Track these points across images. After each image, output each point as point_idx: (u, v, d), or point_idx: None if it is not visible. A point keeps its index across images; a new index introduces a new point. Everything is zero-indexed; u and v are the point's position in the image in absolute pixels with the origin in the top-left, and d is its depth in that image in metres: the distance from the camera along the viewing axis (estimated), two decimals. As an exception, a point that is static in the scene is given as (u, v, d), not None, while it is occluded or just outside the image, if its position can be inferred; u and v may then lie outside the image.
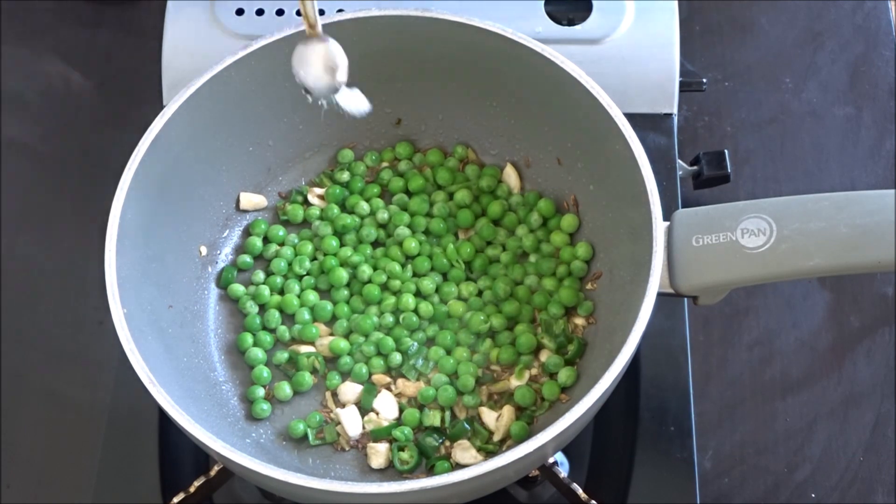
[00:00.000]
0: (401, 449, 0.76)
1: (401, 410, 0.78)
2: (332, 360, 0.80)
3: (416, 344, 0.79)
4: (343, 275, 0.81)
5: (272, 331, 0.81)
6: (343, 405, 0.78)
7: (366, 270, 0.82)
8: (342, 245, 0.84)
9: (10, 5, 1.05)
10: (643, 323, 0.67)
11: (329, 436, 0.77)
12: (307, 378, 0.79)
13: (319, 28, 0.65)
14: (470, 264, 0.83)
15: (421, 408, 0.78)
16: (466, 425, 0.76)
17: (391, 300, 0.81)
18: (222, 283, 0.82)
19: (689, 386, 0.81)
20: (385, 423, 0.77)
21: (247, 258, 0.83)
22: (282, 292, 0.82)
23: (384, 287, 0.82)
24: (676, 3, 0.90)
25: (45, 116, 1.01)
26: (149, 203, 0.75)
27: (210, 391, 0.78)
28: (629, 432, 0.80)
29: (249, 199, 0.85)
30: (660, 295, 0.69)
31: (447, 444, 0.76)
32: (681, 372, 0.81)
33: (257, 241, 0.84)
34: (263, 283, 0.82)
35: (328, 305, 0.81)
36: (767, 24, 1.03)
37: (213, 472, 0.77)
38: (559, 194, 0.83)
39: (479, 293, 0.82)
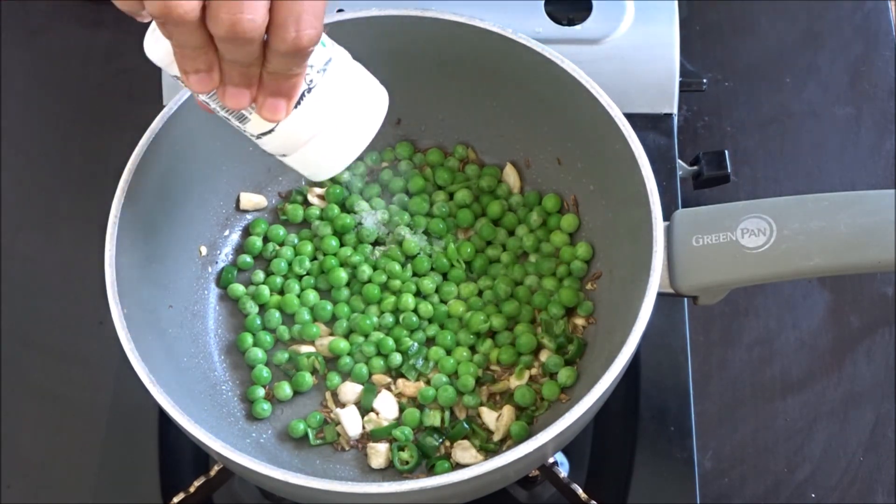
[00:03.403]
0: (401, 449, 0.76)
1: (401, 410, 0.78)
2: (332, 360, 0.80)
3: (416, 344, 0.79)
4: (343, 275, 0.81)
5: (272, 331, 0.81)
6: (343, 405, 0.78)
7: (366, 270, 0.82)
8: (342, 245, 0.84)
9: (10, 5, 1.05)
10: (643, 323, 0.67)
11: (329, 436, 0.77)
12: (307, 378, 0.79)
13: None
14: (470, 264, 0.83)
15: (421, 408, 0.78)
16: (466, 425, 0.76)
17: (391, 300, 0.81)
18: (222, 283, 0.82)
19: (689, 386, 0.81)
20: (385, 423, 0.77)
21: (247, 258, 0.83)
22: (282, 292, 0.82)
23: (384, 287, 0.82)
24: (676, 3, 0.90)
25: (45, 116, 1.01)
26: (149, 203, 0.75)
27: (210, 391, 0.78)
28: (629, 432, 0.80)
29: (249, 199, 0.85)
30: (660, 295, 0.69)
31: (447, 444, 0.76)
32: (681, 372, 0.81)
33: (257, 241, 0.84)
34: (263, 283, 0.82)
35: (328, 305, 0.81)
36: (767, 24, 1.03)
37: (213, 472, 0.77)
38: (559, 194, 0.83)
39: (479, 293, 0.82)
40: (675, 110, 0.89)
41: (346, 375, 0.79)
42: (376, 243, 0.84)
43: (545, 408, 0.77)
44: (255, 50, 0.55)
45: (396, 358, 0.79)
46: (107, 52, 1.03)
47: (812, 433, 0.85)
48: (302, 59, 0.56)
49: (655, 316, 0.68)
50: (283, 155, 0.63)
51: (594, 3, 0.89)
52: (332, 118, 0.62)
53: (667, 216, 0.72)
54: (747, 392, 0.87)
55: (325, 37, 0.61)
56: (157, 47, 0.59)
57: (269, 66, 0.56)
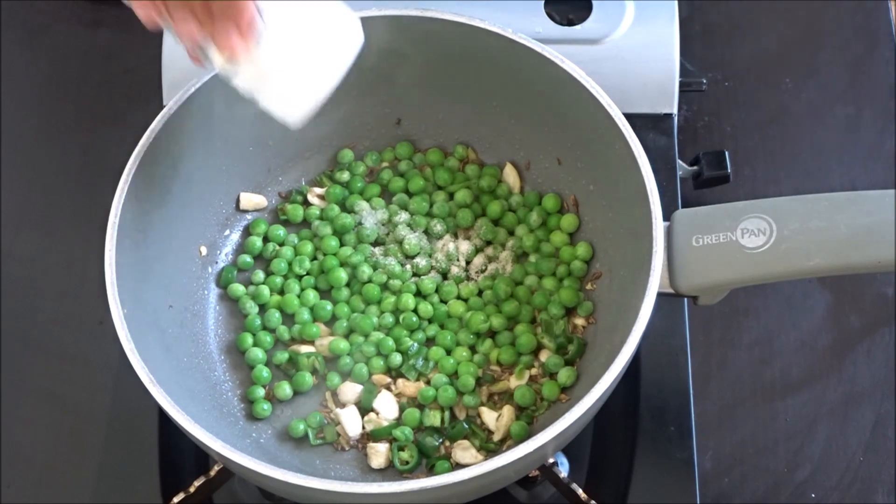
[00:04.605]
0: (401, 449, 0.76)
1: (401, 410, 0.78)
2: (332, 360, 0.80)
3: (416, 344, 0.79)
4: (343, 275, 0.81)
5: (272, 331, 0.81)
6: (343, 405, 0.78)
7: (366, 270, 0.82)
8: (342, 245, 0.84)
9: (10, 5, 1.05)
10: (643, 323, 0.67)
11: (329, 436, 0.77)
12: (307, 378, 0.79)
13: None
14: (470, 264, 0.83)
15: (421, 408, 0.78)
16: (466, 425, 0.76)
17: (391, 300, 0.81)
18: (222, 283, 0.82)
19: (689, 386, 0.81)
20: (385, 423, 0.77)
21: (247, 258, 0.83)
22: (282, 292, 0.82)
23: (384, 287, 0.82)
24: (676, 3, 0.90)
25: (45, 116, 1.01)
26: (149, 203, 0.75)
27: (210, 391, 0.78)
28: (629, 432, 0.80)
29: (249, 199, 0.85)
30: (660, 295, 0.69)
31: (447, 444, 0.76)
32: (681, 372, 0.81)
33: (257, 241, 0.84)
34: (263, 283, 0.82)
35: (328, 305, 0.81)
36: (767, 24, 1.03)
37: (213, 472, 0.77)
38: (559, 194, 0.83)
39: (479, 293, 0.82)
40: (675, 110, 0.89)
41: (346, 375, 0.79)
42: (376, 243, 0.84)
43: (545, 408, 0.77)
44: None
45: (396, 358, 0.79)
46: (107, 52, 1.03)
47: (812, 433, 0.85)
48: None
49: (655, 316, 0.68)
50: (256, 96, 0.65)
51: (594, 3, 0.89)
52: (298, 46, 0.62)
53: (667, 216, 0.72)
54: (747, 392, 0.87)
55: None
56: None
57: None
